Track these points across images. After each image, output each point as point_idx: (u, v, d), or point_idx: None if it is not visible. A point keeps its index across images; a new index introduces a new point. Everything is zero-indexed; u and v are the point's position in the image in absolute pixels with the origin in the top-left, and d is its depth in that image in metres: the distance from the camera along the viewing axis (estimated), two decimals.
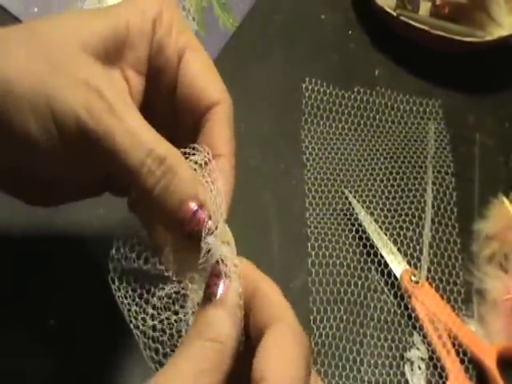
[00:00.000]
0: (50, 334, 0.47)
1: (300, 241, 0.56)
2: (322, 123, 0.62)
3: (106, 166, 0.36)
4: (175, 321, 0.37)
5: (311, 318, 0.52)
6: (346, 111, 0.63)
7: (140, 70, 0.39)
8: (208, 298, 0.34)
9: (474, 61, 0.68)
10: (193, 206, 0.35)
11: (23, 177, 0.40)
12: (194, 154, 0.37)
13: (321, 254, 0.55)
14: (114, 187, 0.43)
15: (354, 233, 0.57)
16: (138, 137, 0.35)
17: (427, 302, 0.54)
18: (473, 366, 0.52)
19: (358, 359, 0.52)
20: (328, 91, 0.63)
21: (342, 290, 0.54)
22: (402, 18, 0.65)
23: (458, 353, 0.52)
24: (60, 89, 0.35)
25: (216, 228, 0.35)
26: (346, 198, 0.58)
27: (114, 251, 0.37)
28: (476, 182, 0.62)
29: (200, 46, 0.41)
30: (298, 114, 0.62)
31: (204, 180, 0.36)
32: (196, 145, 0.38)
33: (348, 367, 0.51)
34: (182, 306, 0.37)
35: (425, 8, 0.69)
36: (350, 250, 0.56)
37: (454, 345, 0.52)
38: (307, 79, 0.63)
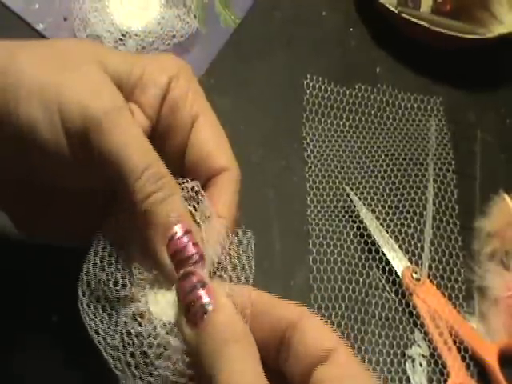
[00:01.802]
0: (53, 330, 0.47)
1: (301, 238, 0.56)
2: (323, 120, 0.62)
3: (104, 174, 0.36)
4: (141, 335, 0.36)
5: None
6: (347, 108, 0.63)
7: (148, 115, 0.40)
8: (199, 316, 0.33)
9: (475, 58, 0.68)
10: (181, 228, 0.35)
11: (22, 187, 0.40)
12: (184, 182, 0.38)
13: (322, 251, 0.55)
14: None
15: (355, 230, 0.57)
16: (142, 147, 0.35)
17: (428, 300, 0.54)
18: (474, 363, 0.52)
19: (359, 356, 0.52)
20: (329, 88, 0.63)
21: (343, 288, 0.54)
22: (404, 14, 0.65)
23: (459, 350, 0.52)
24: (70, 84, 0.35)
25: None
26: (347, 195, 0.58)
27: (84, 273, 0.37)
28: (477, 179, 0.62)
29: (213, 113, 0.42)
30: (299, 111, 0.62)
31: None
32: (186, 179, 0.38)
33: None
34: (150, 321, 0.36)
35: (426, 5, 0.69)
36: (352, 247, 0.56)
37: (455, 342, 0.52)
38: (308, 76, 0.63)
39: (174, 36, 0.61)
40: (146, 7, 0.63)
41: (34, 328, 0.47)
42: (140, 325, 0.36)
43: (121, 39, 0.60)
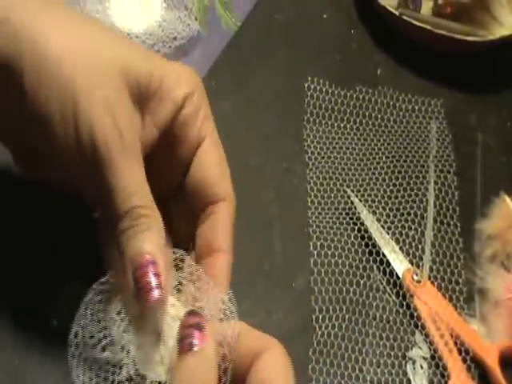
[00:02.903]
0: (53, 334, 0.47)
1: (302, 240, 0.56)
2: (323, 122, 0.62)
3: (97, 185, 0.37)
4: None
5: (313, 317, 0.52)
6: (347, 110, 0.63)
7: (158, 125, 0.40)
8: (186, 348, 0.33)
9: (476, 60, 0.68)
10: (148, 257, 0.36)
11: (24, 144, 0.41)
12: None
13: (323, 253, 0.55)
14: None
15: (356, 232, 0.57)
16: (135, 185, 0.37)
17: (429, 301, 0.54)
18: (475, 365, 0.52)
19: (360, 358, 0.52)
20: (330, 90, 0.64)
21: (344, 289, 0.54)
22: (404, 17, 0.65)
23: (459, 352, 0.52)
24: (88, 100, 0.36)
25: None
26: (348, 197, 0.58)
27: (73, 336, 0.37)
28: (478, 182, 0.62)
29: (218, 138, 0.43)
30: (299, 114, 0.62)
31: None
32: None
33: (350, 366, 0.51)
34: None
35: (427, 7, 0.69)
36: (352, 249, 0.56)
37: (456, 344, 0.52)
38: (309, 78, 0.63)
39: (175, 38, 0.62)
40: (148, 10, 0.63)
41: (34, 332, 0.47)
42: None
43: None
